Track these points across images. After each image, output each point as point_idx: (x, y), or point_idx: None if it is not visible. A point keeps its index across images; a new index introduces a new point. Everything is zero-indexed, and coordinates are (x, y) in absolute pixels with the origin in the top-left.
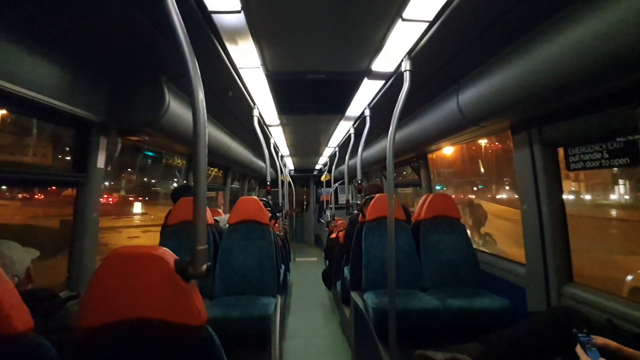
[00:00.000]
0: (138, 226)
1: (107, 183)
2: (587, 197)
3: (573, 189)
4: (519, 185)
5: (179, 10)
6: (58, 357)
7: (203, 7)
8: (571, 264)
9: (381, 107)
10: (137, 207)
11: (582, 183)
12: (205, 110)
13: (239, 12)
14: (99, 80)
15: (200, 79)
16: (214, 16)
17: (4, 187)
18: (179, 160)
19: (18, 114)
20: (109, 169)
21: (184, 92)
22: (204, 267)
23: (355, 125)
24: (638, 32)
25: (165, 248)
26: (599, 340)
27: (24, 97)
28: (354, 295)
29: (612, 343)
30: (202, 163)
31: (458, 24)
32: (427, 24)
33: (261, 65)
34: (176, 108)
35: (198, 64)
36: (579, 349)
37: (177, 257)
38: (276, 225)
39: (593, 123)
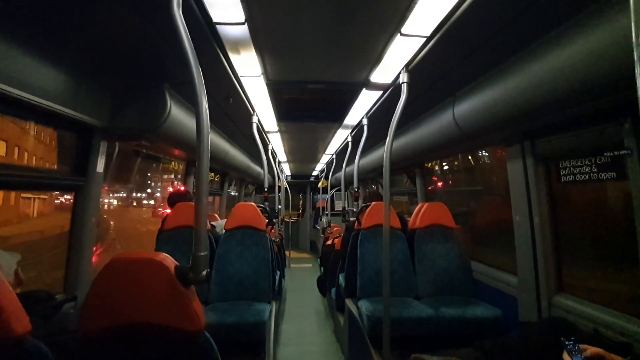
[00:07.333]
0: None
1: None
2: None
3: None
4: (512, 196)
5: (185, 22)
6: None
7: (208, 19)
8: (561, 275)
9: (379, 116)
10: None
11: None
12: (208, 120)
13: (242, 24)
14: (102, 86)
15: (205, 89)
16: (219, 27)
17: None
18: (176, 165)
19: (21, 119)
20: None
21: (185, 99)
22: (204, 273)
23: (352, 134)
24: (624, 53)
25: (165, 254)
26: (587, 348)
27: (29, 102)
28: (349, 302)
29: (598, 349)
30: (205, 170)
31: (454, 39)
32: (425, 39)
33: (262, 74)
34: (177, 114)
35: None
36: (565, 356)
37: (177, 263)
38: (272, 231)
39: (583, 138)
